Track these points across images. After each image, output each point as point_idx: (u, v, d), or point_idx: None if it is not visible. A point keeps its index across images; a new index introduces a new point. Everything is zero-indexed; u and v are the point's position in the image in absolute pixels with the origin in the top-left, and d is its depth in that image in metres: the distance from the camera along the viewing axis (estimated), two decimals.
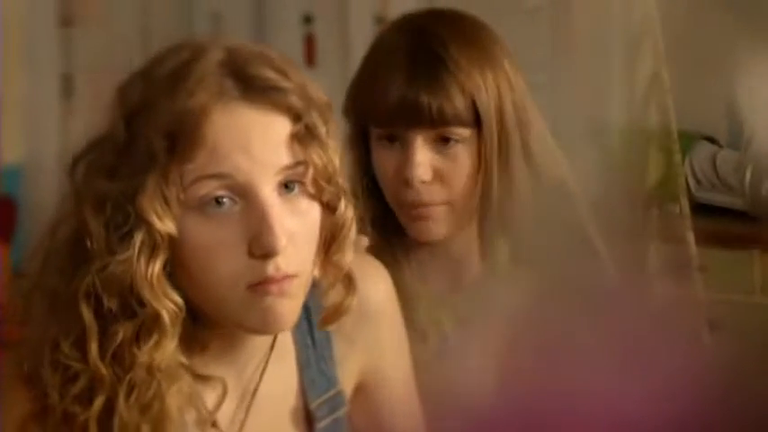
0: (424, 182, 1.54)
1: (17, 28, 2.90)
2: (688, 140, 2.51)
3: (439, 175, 1.55)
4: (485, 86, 1.54)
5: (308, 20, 2.71)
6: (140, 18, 2.89)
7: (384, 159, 1.57)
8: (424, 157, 1.54)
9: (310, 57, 2.69)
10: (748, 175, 2.51)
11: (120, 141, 1.14)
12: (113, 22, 2.89)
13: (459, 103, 1.53)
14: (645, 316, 0.76)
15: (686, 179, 2.47)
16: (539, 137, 1.60)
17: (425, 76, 1.52)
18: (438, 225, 1.57)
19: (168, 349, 1.15)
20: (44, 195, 2.83)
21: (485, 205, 1.57)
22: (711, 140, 2.65)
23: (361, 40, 2.61)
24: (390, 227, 1.59)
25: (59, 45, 2.93)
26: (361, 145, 1.59)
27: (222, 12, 2.81)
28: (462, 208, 1.57)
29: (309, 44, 2.70)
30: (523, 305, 1.45)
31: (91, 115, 2.86)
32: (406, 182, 1.55)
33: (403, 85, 1.52)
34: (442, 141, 1.55)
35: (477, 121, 1.55)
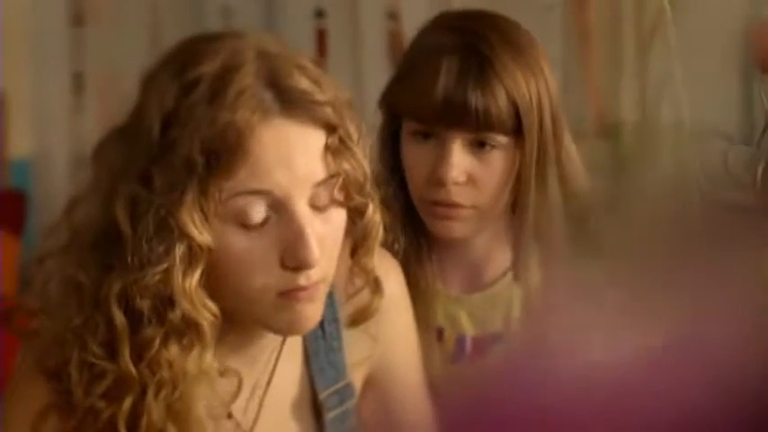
0: (456, 183, 1.53)
1: (27, 25, 2.90)
2: (699, 137, 2.50)
3: (471, 179, 1.54)
4: (528, 92, 1.53)
5: (319, 14, 2.71)
6: (151, 13, 2.88)
7: (416, 155, 1.56)
8: (459, 159, 1.53)
9: (322, 51, 2.68)
10: (760, 172, 2.50)
11: (154, 144, 1.14)
12: (124, 18, 2.89)
13: (503, 108, 1.51)
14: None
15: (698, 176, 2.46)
16: (567, 144, 1.60)
17: (474, 77, 1.51)
18: (462, 226, 1.57)
19: (206, 359, 1.16)
20: (54, 189, 2.83)
21: (520, 214, 1.57)
22: (723, 136, 2.64)
23: (373, 35, 2.61)
24: (411, 224, 1.58)
25: (70, 40, 2.93)
26: (391, 139, 1.59)
27: (233, 6, 2.80)
28: (488, 212, 1.57)
29: (321, 39, 2.70)
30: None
31: (100, 111, 2.87)
32: (438, 181, 1.54)
33: (450, 84, 1.51)
34: (479, 145, 1.54)
35: (514, 131, 1.54)
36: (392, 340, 1.35)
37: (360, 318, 1.29)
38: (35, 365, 1.20)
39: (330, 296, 1.29)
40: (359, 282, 1.27)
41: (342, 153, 1.18)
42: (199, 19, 2.82)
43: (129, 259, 1.13)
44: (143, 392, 1.15)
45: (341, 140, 1.18)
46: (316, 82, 1.17)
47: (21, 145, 2.95)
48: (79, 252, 1.18)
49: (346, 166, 1.18)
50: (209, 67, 1.14)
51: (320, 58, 2.66)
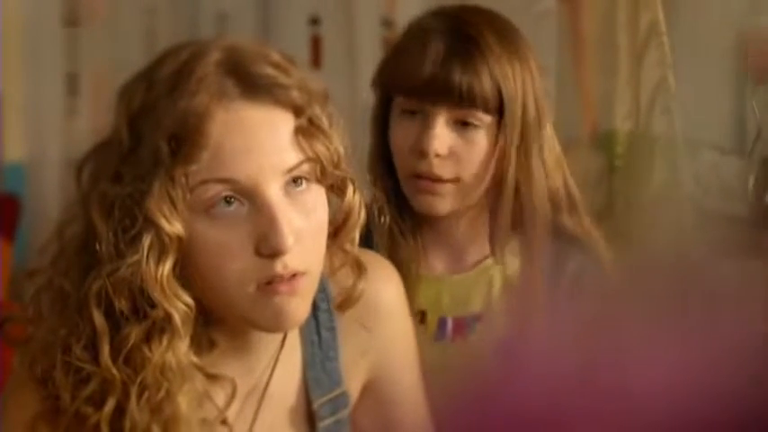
0: (438, 155, 1.60)
1: (21, 26, 2.90)
2: (692, 147, 2.51)
3: (453, 154, 1.61)
4: (512, 76, 1.60)
5: (314, 21, 2.71)
6: (146, 18, 2.88)
7: (403, 131, 1.63)
8: (442, 132, 1.60)
9: (316, 58, 2.69)
10: (751, 183, 2.51)
11: (125, 145, 1.15)
12: (119, 21, 2.89)
13: (487, 87, 1.59)
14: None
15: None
16: (549, 136, 1.67)
17: (459, 56, 1.59)
18: (443, 201, 1.63)
19: (180, 350, 1.16)
20: (47, 193, 2.83)
21: (501, 194, 1.63)
22: (715, 147, 2.64)
23: (368, 42, 2.61)
24: (397, 208, 1.65)
25: (64, 44, 2.92)
26: (382, 118, 1.66)
27: (228, 12, 2.80)
28: (468, 189, 1.63)
29: (316, 46, 2.70)
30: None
31: (95, 114, 2.87)
32: (421, 153, 1.61)
33: (437, 62, 1.58)
34: (462, 124, 1.61)
35: (498, 111, 1.60)
36: (391, 345, 1.35)
37: (346, 302, 1.29)
38: (27, 373, 1.20)
39: (327, 303, 1.29)
40: (338, 263, 1.27)
41: (314, 135, 1.18)
42: (194, 25, 2.82)
43: (104, 256, 1.14)
44: (127, 395, 1.15)
45: (311, 122, 1.18)
46: (279, 68, 1.17)
47: (14, 149, 2.95)
48: (65, 262, 1.18)
49: (319, 146, 1.18)
50: (173, 64, 1.16)
51: (315, 65, 2.67)
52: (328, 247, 1.22)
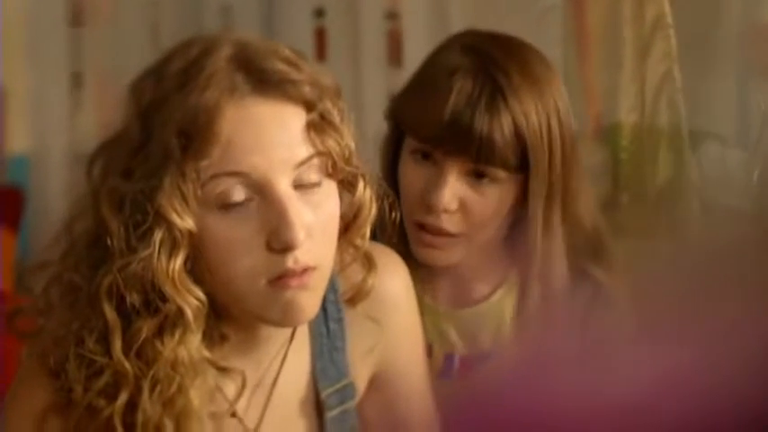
0: (447, 211, 1.50)
1: (26, 19, 2.90)
2: (696, 139, 2.50)
3: (463, 207, 1.51)
4: (539, 128, 1.48)
5: (319, 13, 2.71)
6: (150, 13, 2.88)
7: (413, 175, 1.53)
8: (454, 187, 1.50)
9: (321, 50, 2.69)
10: (756, 175, 2.50)
11: (135, 140, 1.15)
12: (122, 14, 2.89)
13: (509, 141, 1.47)
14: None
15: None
16: (577, 181, 1.55)
17: (484, 103, 1.47)
18: (447, 255, 1.54)
19: (192, 344, 1.16)
20: (51, 186, 2.84)
21: (526, 253, 1.52)
22: (719, 139, 2.64)
23: (372, 35, 2.61)
24: (402, 238, 1.54)
25: (69, 37, 2.93)
26: (392, 152, 1.56)
27: (232, 5, 2.80)
28: (475, 241, 1.54)
29: (320, 38, 2.70)
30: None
31: (99, 108, 2.87)
32: (429, 206, 1.50)
33: (459, 106, 1.47)
34: (476, 176, 1.50)
35: (517, 168, 1.50)
36: (398, 338, 1.35)
37: (356, 297, 1.29)
38: (37, 365, 1.20)
39: (334, 293, 1.29)
40: (349, 258, 1.26)
41: (325, 130, 1.18)
42: (198, 18, 2.82)
43: (116, 251, 1.14)
44: (139, 388, 1.16)
45: (322, 117, 1.17)
46: (291, 63, 1.17)
47: (19, 141, 2.96)
48: (75, 257, 1.19)
49: (331, 142, 1.18)
50: (183, 59, 1.16)
51: (319, 58, 2.67)
52: (339, 242, 1.22)
